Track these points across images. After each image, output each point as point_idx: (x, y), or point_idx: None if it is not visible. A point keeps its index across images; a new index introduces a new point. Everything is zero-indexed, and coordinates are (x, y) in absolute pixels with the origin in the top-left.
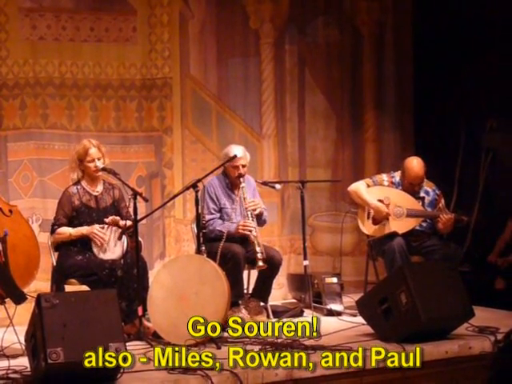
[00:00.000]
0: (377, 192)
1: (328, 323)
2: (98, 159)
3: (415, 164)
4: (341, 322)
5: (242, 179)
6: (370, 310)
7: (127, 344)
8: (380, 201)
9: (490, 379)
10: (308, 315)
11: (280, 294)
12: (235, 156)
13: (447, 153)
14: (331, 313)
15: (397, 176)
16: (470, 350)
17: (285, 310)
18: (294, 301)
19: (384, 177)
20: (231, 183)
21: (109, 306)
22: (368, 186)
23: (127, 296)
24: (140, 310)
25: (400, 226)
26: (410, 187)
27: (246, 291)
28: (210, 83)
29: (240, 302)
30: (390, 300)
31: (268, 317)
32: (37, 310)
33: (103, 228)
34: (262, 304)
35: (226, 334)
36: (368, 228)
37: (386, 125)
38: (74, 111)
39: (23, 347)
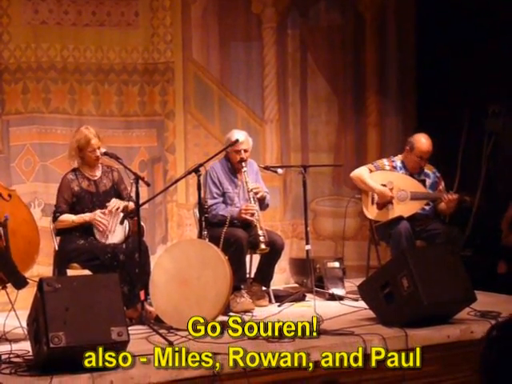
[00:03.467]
0: (379, 177)
1: (330, 308)
2: (98, 148)
3: (425, 137)
4: (343, 307)
5: (244, 164)
6: (371, 295)
7: (129, 328)
8: (383, 185)
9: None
10: (310, 300)
11: (282, 278)
12: (237, 140)
13: (449, 137)
14: (333, 297)
15: (397, 160)
16: (471, 335)
17: (287, 295)
18: (296, 285)
19: (385, 161)
20: (233, 168)
21: (111, 291)
22: (370, 171)
23: (129, 280)
24: (142, 295)
25: (404, 209)
26: (417, 164)
27: (248, 276)
28: (212, 68)
29: (242, 286)
30: (391, 284)
31: (270, 301)
32: (39, 295)
33: (104, 213)
34: (264, 288)
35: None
36: (373, 213)
37: (389, 109)
38: (76, 96)
39: (25, 332)
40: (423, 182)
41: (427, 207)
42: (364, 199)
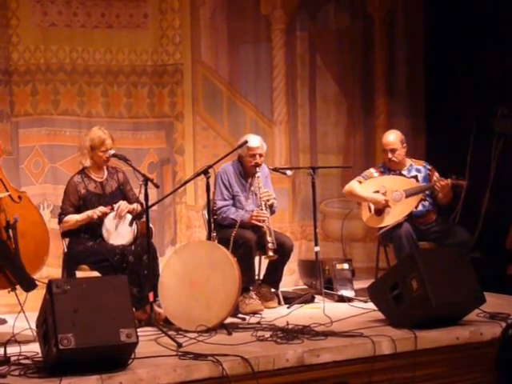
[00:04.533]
0: (370, 185)
1: (339, 309)
2: (110, 149)
3: (389, 131)
4: (352, 308)
5: (257, 168)
6: (380, 296)
7: (138, 330)
8: (376, 191)
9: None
10: (319, 301)
11: (291, 280)
12: (246, 142)
13: (458, 138)
14: (342, 299)
15: (382, 166)
16: (481, 336)
17: (296, 297)
18: (305, 287)
19: (372, 170)
20: (245, 171)
21: (120, 292)
22: (360, 182)
23: (138, 282)
24: (151, 296)
25: (403, 208)
26: (387, 159)
27: (257, 277)
28: (221, 69)
29: (251, 288)
30: (400, 286)
31: (279, 303)
32: (48, 296)
33: (111, 209)
34: (273, 290)
35: (237, 320)
36: (373, 222)
37: (398, 111)
38: (85, 97)
39: (34, 333)
40: (415, 178)
41: (426, 203)
42: (362, 210)
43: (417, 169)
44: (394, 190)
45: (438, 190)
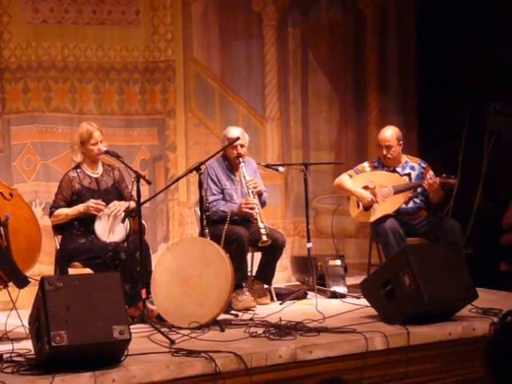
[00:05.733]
0: (360, 179)
1: (331, 305)
2: (101, 142)
3: (385, 127)
4: (344, 304)
5: (241, 159)
6: (373, 292)
7: (131, 327)
8: (365, 187)
9: (487, 362)
10: (311, 297)
11: (284, 276)
12: (238, 138)
13: (450, 135)
14: (335, 295)
15: (378, 161)
16: (473, 332)
17: (288, 293)
18: (298, 283)
19: (365, 164)
20: (231, 165)
21: (112, 289)
22: (350, 176)
23: (131, 279)
24: (144, 293)
25: (390, 205)
26: (382, 155)
27: (249, 274)
28: (213, 66)
29: (244, 284)
30: (393, 282)
31: (272, 299)
32: (40, 293)
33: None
34: (265, 286)
35: (230, 317)
36: (360, 216)
37: (390, 107)
38: (77, 94)
39: (27, 330)
40: (409, 176)
41: (418, 200)
42: (350, 205)
43: (411, 166)
44: (383, 185)
45: (426, 188)
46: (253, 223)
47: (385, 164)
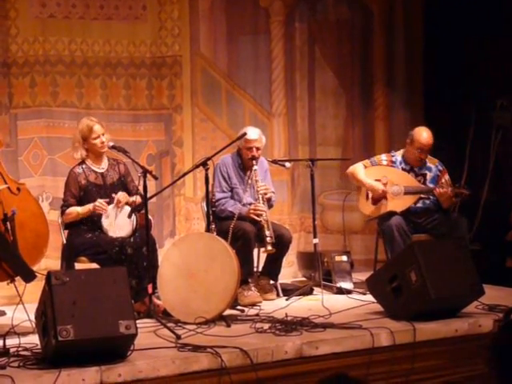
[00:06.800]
0: (375, 172)
1: (337, 301)
2: (103, 135)
3: (426, 131)
4: (350, 300)
5: (254, 162)
6: (379, 288)
7: (137, 322)
8: (378, 180)
9: (490, 359)
10: (317, 293)
11: (290, 272)
12: (245, 134)
13: (457, 131)
14: (341, 291)
15: (398, 155)
16: (479, 328)
17: (295, 289)
18: (304, 279)
19: (383, 156)
20: (243, 164)
21: (119, 284)
22: (365, 167)
23: (137, 274)
24: (150, 288)
25: (398, 204)
26: (417, 157)
27: (255, 269)
28: (220, 61)
29: (250, 280)
30: (399, 278)
31: (278, 295)
32: (47, 288)
33: (109, 202)
34: (271, 282)
35: (235, 312)
36: (366, 208)
37: (396, 103)
38: (84, 89)
39: (33, 325)
40: (424, 176)
41: (428, 201)
42: (358, 195)
43: (428, 167)
44: (395, 183)
45: (436, 195)
46: (260, 226)
47: (408, 162)
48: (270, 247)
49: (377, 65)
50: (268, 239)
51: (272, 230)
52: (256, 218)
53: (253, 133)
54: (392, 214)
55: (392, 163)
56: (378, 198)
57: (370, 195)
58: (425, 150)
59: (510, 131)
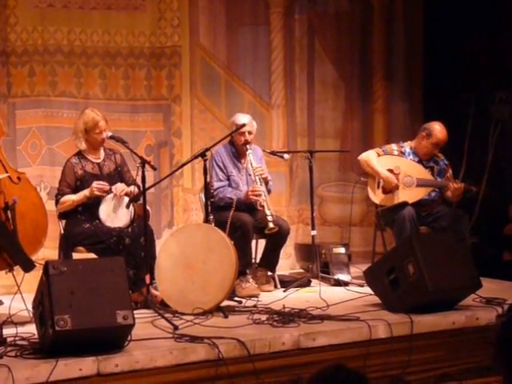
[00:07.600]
0: (387, 161)
1: (335, 293)
2: (105, 130)
3: (442, 126)
4: (348, 292)
5: (248, 146)
6: (377, 281)
7: (134, 312)
8: (390, 170)
9: (495, 355)
10: (315, 285)
11: (288, 263)
12: (244, 124)
13: (456, 124)
14: (338, 283)
15: (406, 146)
16: (477, 321)
17: (292, 280)
18: (302, 271)
19: (393, 146)
20: (238, 152)
21: (116, 274)
22: (378, 155)
23: (135, 264)
24: (148, 279)
25: (410, 195)
26: (430, 151)
27: (253, 261)
28: (219, 52)
29: (248, 271)
30: (397, 270)
31: (275, 286)
32: (44, 278)
33: (108, 192)
34: (269, 274)
35: (233, 303)
36: (378, 197)
37: (395, 95)
38: (83, 79)
39: (31, 314)
40: (431, 169)
41: (433, 193)
42: (370, 183)
43: (435, 160)
44: (407, 174)
45: (449, 190)
46: (258, 210)
47: (417, 154)
48: (271, 225)
49: (376, 57)
50: (269, 218)
51: (272, 209)
52: (256, 198)
53: (243, 118)
54: (404, 204)
55: (402, 154)
56: (390, 189)
57: (382, 184)
58: (440, 145)
59: (508, 125)
